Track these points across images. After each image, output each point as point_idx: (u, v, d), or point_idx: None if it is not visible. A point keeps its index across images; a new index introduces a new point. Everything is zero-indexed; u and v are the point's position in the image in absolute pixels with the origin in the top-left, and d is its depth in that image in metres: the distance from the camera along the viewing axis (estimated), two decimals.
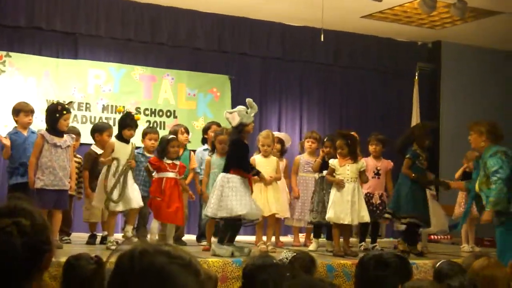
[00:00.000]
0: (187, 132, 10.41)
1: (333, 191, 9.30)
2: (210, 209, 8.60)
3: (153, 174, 9.18)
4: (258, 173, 9.15)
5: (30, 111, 9.50)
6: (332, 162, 9.39)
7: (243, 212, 8.44)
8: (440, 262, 4.88)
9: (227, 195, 8.48)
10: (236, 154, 8.77)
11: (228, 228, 8.67)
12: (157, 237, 9.12)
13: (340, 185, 9.19)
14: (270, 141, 10.00)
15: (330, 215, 9.22)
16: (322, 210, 9.72)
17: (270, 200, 9.75)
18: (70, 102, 10.12)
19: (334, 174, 9.32)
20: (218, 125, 10.68)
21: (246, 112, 8.74)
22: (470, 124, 8.53)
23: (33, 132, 9.34)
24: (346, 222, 9.16)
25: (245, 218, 8.57)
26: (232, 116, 8.74)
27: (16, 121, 9.52)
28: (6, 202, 2.47)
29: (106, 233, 9.19)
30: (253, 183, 9.27)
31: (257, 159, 9.91)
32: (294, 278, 3.62)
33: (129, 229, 8.98)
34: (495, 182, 7.93)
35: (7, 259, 2.36)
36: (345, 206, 9.13)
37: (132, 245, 1.76)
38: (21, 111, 9.45)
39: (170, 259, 1.70)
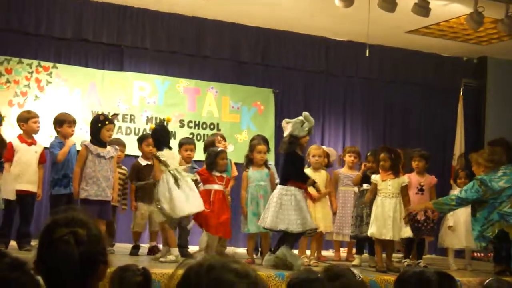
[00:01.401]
0: (224, 139, 10.36)
1: (375, 206, 9.26)
2: (268, 221, 8.63)
3: (200, 186, 9.17)
4: (314, 183, 9.12)
5: (73, 122, 9.58)
6: (374, 177, 9.35)
7: (299, 230, 8.56)
8: (489, 279, 4.81)
9: (286, 208, 8.53)
10: (293, 166, 8.82)
11: (290, 238, 8.72)
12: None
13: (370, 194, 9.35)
14: (321, 152, 10.09)
15: (372, 230, 9.19)
16: (360, 224, 9.75)
17: (317, 216, 9.76)
18: (115, 114, 10.14)
19: (376, 189, 9.30)
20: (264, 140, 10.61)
21: (301, 125, 8.77)
22: (470, 155, 8.85)
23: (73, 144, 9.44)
24: (387, 238, 9.11)
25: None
26: (287, 126, 8.80)
27: (58, 132, 9.57)
28: (63, 213, 2.50)
29: (153, 243, 9.21)
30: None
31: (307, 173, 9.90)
32: None
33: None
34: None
35: (65, 268, 2.39)
36: (387, 222, 9.09)
37: (200, 259, 1.75)
38: (65, 122, 9.51)
39: (237, 276, 1.69)
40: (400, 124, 14.31)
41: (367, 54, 11.28)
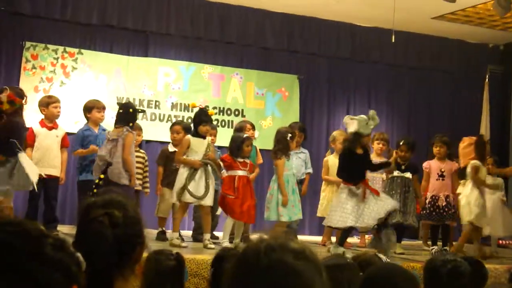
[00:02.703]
0: (253, 128, 10.37)
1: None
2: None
3: (223, 171, 9.17)
4: (387, 164, 9.45)
5: (103, 108, 9.62)
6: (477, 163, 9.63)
7: (352, 224, 8.69)
8: None
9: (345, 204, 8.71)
10: (346, 165, 8.89)
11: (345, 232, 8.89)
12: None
13: None
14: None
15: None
16: (404, 211, 9.73)
17: None
18: (143, 111, 10.15)
19: None
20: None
21: (366, 123, 8.76)
22: None
23: (103, 130, 9.43)
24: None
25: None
26: (352, 123, 8.79)
27: (87, 118, 9.61)
28: (103, 195, 2.51)
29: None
30: (327, 184, 9.41)
31: (330, 160, 9.90)
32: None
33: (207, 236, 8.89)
34: None
35: (99, 248, 2.40)
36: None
37: (257, 239, 1.73)
38: (94, 107, 9.56)
39: (296, 256, 1.68)
40: (425, 111, 14.24)
41: (393, 40, 11.22)
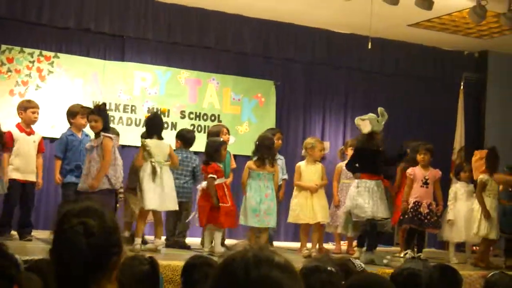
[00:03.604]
0: (229, 132, 10.39)
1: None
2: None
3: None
4: (405, 153, 9.70)
5: (86, 114, 9.58)
6: (486, 177, 9.95)
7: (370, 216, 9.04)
8: (492, 273, 4.84)
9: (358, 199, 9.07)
10: (364, 160, 9.17)
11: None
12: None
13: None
14: (323, 145, 10.21)
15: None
16: None
17: (315, 207, 9.81)
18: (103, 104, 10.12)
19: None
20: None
21: (377, 121, 8.92)
22: None
23: (86, 135, 9.44)
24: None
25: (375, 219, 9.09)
26: (364, 124, 9.00)
27: (71, 123, 9.62)
28: (80, 203, 2.50)
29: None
30: (299, 191, 9.50)
31: (302, 166, 9.94)
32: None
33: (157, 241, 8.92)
34: None
35: (73, 257, 2.39)
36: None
37: (241, 251, 1.74)
38: (79, 113, 9.54)
39: (282, 271, 1.69)
40: (401, 117, 14.29)
41: (369, 47, 11.27)
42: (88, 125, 9.17)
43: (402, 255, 10.10)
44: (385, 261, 8.83)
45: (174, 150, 9.62)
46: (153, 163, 8.65)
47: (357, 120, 9.28)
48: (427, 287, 3.87)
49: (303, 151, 10.15)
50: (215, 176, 8.95)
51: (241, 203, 9.55)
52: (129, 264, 4.00)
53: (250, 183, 9.40)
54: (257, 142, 9.52)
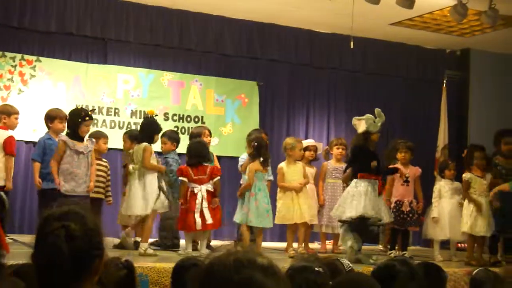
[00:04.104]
0: (210, 134, 10.38)
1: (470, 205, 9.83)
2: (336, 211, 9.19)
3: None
4: (396, 170, 9.85)
5: (65, 118, 9.54)
6: (466, 175, 9.86)
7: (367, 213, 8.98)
8: (477, 270, 4.86)
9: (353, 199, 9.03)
10: (363, 160, 9.13)
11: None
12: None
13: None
14: (302, 146, 10.22)
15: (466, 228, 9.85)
16: None
17: (302, 207, 9.80)
18: (93, 110, 10.08)
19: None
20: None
21: (374, 121, 8.96)
22: None
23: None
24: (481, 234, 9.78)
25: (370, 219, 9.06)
26: (359, 123, 9.04)
27: (49, 127, 9.55)
28: (61, 207, 2.49)
29: (139, 238, 9.21)
30: (283, 192, 9.53)
31: (284, 167, 9.94)
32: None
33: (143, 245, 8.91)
34: None
35: (55, 261, 2.38)
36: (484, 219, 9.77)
37: (225, 253, 1.73)
38: (56, 117, 9.48)
39: (265, 273, 1.68)
40: (385, 116, 14.30)
41: (351, 46, 11.29)
42: (62, 129, 9.31)
43: (387, 254, 10.13)
44: (371, 260, 8.84)
45: (167, 152, 9.78)
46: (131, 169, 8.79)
47: (354, 119, 9.34)
48: (411, 285, 3.88)
49: (284, 151, 10.14)
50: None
51: (240, 204, 9.50)
52: (106, 268, 3.99)
53: (257, 185, 9.39)
54: (256, 144, 9.49)
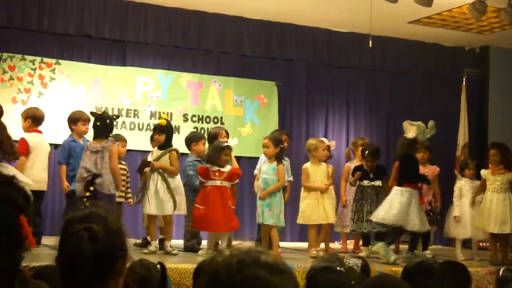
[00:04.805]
0: (228, 135, 10.39)
1: (484, 201, 9.89)
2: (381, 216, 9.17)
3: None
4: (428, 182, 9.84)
5: (88, 120, 9.60)
6: (483, 172, 9.88)
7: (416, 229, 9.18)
8: (502, 269, 4.82)
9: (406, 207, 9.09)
10: (412, 167, 9.28)
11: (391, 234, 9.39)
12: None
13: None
14: (326, 145, 10.22)
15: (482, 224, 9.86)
16: (358, 220, 9.79)
17: (327, 208, 9.85)
18: (118, 116, 10.10)
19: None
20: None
21: (424, 131, 9.03)
22: None
23: (88, 141, 9.44)
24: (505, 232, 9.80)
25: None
26: (410, 128, 9.11)
27: (72, 129, 9.64)
28: (83, 209, 2.51)
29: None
30: (308, 191, 9.57)
31: (309, 168, 9.95)
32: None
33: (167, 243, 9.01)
34: None
35: (78, 263, 2.39)
36: (497, 216, 9.77)
37: (228, 254, 1.71)
38: (79, 120, 9.58)
39: (270, 271, 1.66)
40: (403, 115, 14.18)
41: (370, 45, 11.26)
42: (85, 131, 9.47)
43: (423, 254, 10.09)
44: (392, 257, 8.84)
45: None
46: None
47: (406, 123, 9.36)
48: (439, 283, 3.86)
49: (307, 153, 10.14)
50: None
51: (267, 205, 9.52)
52: (138, 269, 4.00)
53: None
54: (281, 146, 9.59)
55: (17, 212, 1.71)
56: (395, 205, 9.04)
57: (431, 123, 9.33)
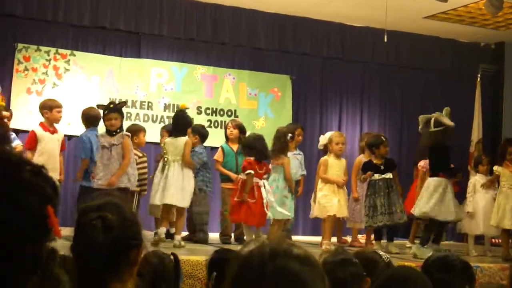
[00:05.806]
0: (242, 130, 10.48)
1: (499, 197, 9.83)
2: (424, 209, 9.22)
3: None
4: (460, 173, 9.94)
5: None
6: (497, 168, 9.83)
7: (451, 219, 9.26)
8: None
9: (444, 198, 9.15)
10: (442, 158, 9.38)
11: (432, 229, 9.30)
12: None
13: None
14: (344, 139, 10.20)
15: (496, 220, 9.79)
16: (373, 214, 9.77)
17: (342, 202, 9.86)
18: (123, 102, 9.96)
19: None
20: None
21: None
22: None
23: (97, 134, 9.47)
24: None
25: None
26: (442, 118, 9.29)
27: (89, 126, 9.81)
28: (99, 198, 2.52)
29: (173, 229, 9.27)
30: (325, 183, 9.56)
31: (329, 160, 9.95)
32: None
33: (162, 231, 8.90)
34: None
35: (91, 251, 2.40)
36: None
37: (260, 245, 1.72)
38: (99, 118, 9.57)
39: (301, 263, 1.67)
40: (417, 110, 14.18)
41: (385, 40, 11.22)
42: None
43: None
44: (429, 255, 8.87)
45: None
46: (164, 161, 8.81)
47: (422, 117, 9.46)
48: (458, 279, 3.87)
49: (329, 145, 10.16)
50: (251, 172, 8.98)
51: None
52: (151, 259, 4.02)
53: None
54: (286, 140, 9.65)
55: (45, 202, 1.73)
56: (435, 196, 9.09)
57: (447, 109, 9.40)
